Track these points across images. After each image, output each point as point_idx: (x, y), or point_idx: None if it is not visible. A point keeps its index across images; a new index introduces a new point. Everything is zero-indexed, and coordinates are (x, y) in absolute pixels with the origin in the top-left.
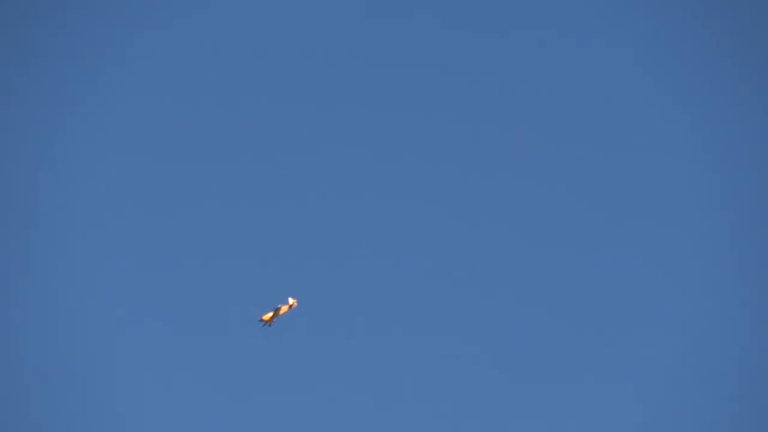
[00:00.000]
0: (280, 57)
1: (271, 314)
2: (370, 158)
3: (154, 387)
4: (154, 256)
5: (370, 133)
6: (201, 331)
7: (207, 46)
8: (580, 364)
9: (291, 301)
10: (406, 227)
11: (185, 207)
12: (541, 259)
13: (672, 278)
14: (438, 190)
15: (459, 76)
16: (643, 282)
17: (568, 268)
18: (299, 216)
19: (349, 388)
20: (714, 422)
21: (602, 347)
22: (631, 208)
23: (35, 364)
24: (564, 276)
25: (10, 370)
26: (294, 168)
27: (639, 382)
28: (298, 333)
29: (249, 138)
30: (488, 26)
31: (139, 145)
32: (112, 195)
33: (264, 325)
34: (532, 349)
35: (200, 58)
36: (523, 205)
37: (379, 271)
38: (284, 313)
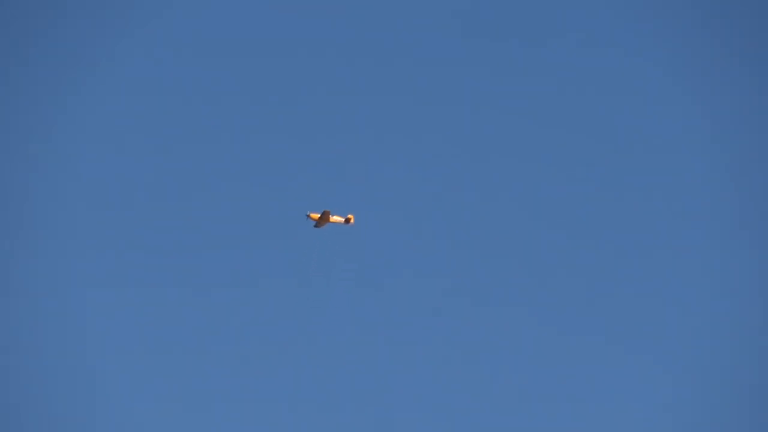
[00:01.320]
0: (277, 53)
1: (319, 215)
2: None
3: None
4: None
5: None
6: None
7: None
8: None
9: (349, 215)
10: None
11: (179, 202)
12: (555, 259)
13: (686, 278)
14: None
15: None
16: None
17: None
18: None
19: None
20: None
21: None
22: (648, 208)
23: (28, 364)
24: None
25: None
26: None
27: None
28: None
29: (246, 136)
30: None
31: (129, 143)
32: (102, 193)
33: (314, 225)
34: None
35: (188, 55)
36: (539, 207)
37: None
38: (336, 222)
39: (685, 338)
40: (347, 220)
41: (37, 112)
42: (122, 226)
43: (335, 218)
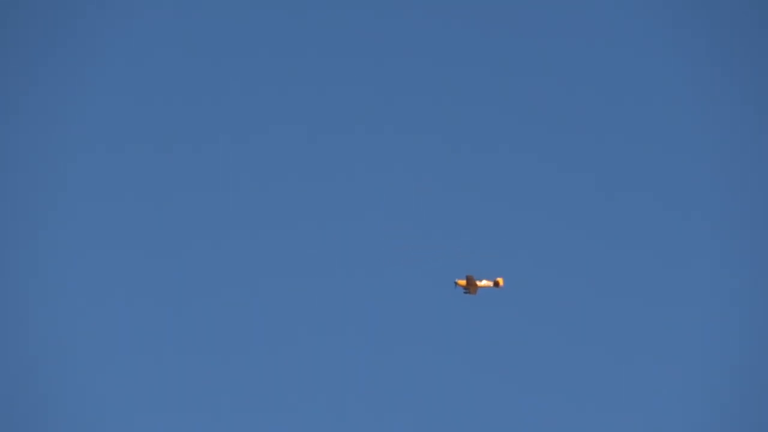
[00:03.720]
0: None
1: (465, 281)
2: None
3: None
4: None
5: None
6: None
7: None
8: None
9: (499, 279)
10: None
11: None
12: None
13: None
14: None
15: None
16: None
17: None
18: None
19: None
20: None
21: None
22: (653, 209)
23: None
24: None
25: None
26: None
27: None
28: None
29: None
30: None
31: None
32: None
33: (464, 292)
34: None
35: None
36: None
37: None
38: (485, 287)
39: (689, 341)
40: (496, 284)
41: (34, 112)
42: (121, 226)
43: (483, 283)
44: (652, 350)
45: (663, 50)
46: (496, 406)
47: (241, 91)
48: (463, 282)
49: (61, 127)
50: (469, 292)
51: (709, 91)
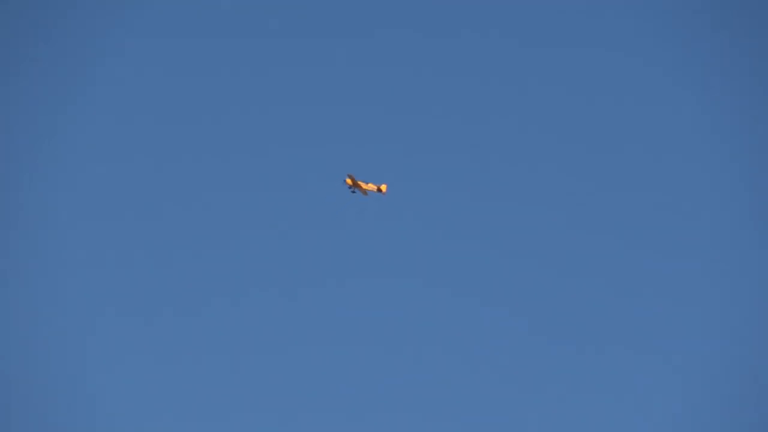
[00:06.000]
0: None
1: (351, 182)
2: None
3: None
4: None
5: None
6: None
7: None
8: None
9: (382, 186)
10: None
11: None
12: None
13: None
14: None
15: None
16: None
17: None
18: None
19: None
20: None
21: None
22: (651, 208)
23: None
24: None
25: None
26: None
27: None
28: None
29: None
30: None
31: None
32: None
33: (352, 190)
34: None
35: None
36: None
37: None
38: (369, 190)
39: (688, 340)
40: (379, 190)
41: (36, 116)
42: (118, 234)
43: (369, 185)
44: (652, 348)
45: (663, 51)
46: (494, 406)
47: (239, 100)
48: (349, 181)
49: (61, 132)
50: (360, 191)
51: (709, 92)
